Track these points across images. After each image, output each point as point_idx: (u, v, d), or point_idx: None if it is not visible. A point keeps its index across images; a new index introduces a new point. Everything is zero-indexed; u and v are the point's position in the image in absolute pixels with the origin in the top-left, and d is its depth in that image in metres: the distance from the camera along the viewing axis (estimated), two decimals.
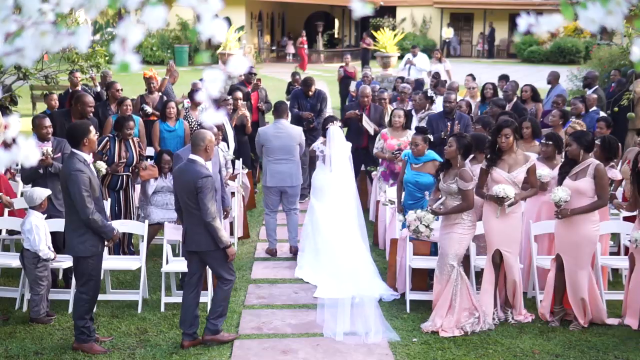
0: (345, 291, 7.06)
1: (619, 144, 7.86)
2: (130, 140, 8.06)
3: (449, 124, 9.27)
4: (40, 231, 6.37)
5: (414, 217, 6.52)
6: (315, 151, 8.66)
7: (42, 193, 6.50)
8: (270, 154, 8.51)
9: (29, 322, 6.42)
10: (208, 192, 5.74)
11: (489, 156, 6.60)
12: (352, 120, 10.35)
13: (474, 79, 13.31)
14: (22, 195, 7.68)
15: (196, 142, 5.93)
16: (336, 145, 8.33)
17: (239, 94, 10.64)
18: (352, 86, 14.69)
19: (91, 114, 8.31)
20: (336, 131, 8.40)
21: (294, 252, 8.51)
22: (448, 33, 39.01)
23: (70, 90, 10.87)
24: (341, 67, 17.83)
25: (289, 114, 9.18)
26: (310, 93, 11.16)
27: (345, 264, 7.61)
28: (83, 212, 5.63)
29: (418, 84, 14.72)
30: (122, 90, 10.09)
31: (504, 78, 13.09)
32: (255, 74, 12.41)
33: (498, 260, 6.58)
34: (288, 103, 9.84)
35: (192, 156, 5.94)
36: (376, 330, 6.31)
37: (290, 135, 8.56)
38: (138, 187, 8.60)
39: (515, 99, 11.16)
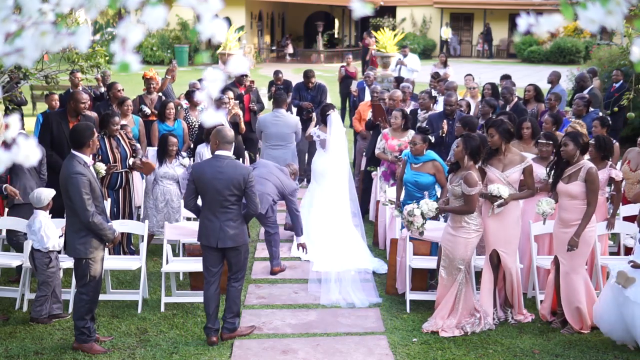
0: (337, 265, 7.75)
1: (613, 144, 7.80)
2: (119, 135, 8.04)
3: (444, 122, 9.22)
4: (48, 230, 6.39)
5: (409, 209, 6.41)
6: (312, 136, 9.38)
7: (49, 194, 6.53)
8: (268, 140, 9.35)
9: (29, 322, 6.43)
10: (254, 185, 6.02)
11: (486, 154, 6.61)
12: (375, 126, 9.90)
13: (474, 79, 13.28)
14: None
15: (229, 141, 6.06)
16: (335, 131, 9.01)
17: (231, 94, 10.64)
18: (354, 86, 14.64)
19: (85, 111, 8.28)
20: (336, 118, 9.13)
21: (289, 228, 8.93)
22: (446, 33, 38.94)
23: (71, 91, 10.86)
24: (342, 66, 17.77)
25: (287, 104, 9.75)
26: (311, 85, 11.99)
27: (337, 241, 8.28)
28: (83, 215, 5.62)
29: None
30: (123, 90, 10.10)
31: (506, 78, 13.07)
32: (247, 76, 12.34)
33: (496, 261, 6.57)
34: (284, 96, 9.96)
35: (224, 152, 6.00)
36: (362, 299, 7.09)
37: (286, 123, 9.36)
38: (137, 186, 8.61)
39: (515, 99, 11.11)
